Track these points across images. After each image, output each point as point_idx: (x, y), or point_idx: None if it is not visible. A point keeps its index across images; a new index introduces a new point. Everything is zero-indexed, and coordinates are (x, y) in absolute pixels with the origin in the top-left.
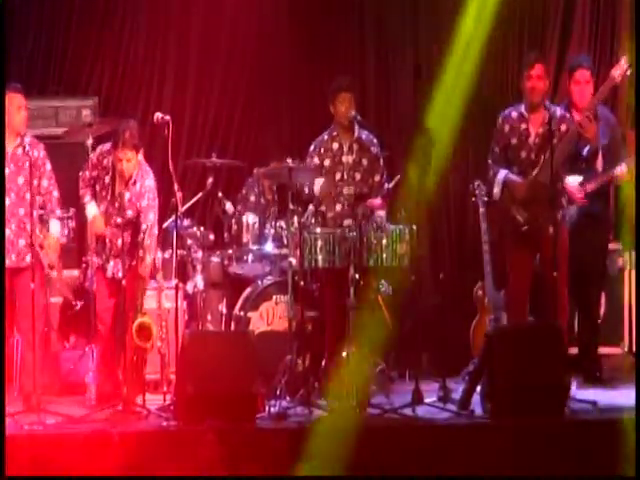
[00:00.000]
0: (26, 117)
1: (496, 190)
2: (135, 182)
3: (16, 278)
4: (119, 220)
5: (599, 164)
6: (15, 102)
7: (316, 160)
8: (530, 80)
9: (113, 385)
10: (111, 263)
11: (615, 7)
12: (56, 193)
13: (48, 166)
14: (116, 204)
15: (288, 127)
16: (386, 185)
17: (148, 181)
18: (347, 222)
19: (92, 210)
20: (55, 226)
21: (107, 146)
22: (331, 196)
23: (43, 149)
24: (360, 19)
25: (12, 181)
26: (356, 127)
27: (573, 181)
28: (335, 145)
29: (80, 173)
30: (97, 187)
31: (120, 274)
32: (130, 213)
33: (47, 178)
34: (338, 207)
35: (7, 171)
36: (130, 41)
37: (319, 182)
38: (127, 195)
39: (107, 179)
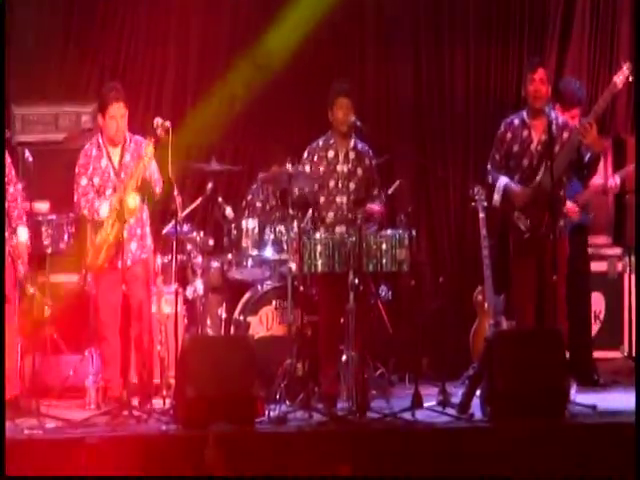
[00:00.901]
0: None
1: (496, 197)
2: (130, 141)
3: None
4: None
5: (601, 171)
6: None
7: (307, 168)
8: (533, 84)
9: (118, 388)
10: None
11: (615, 8)
12: (20, 199)
13: (13, 172)
14: (122, 174)
15: (288, 130)
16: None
17: (140, 137)
18: (339, 229)
19: (105, 205)
20: (23, 233)
21: (87, 144)
22: (324, 209)
23: (7, 155)
24: (360, 19)
25: None
26: (353, 136)
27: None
28: (331, 153)
29: (75, 199)
30: (96, 180)
31: (138, 254)
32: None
33: (12, 184)
34: (331, 215)
35: None
36: (129, 45)
37: None
38: (127, 157)
39: (103, 162)
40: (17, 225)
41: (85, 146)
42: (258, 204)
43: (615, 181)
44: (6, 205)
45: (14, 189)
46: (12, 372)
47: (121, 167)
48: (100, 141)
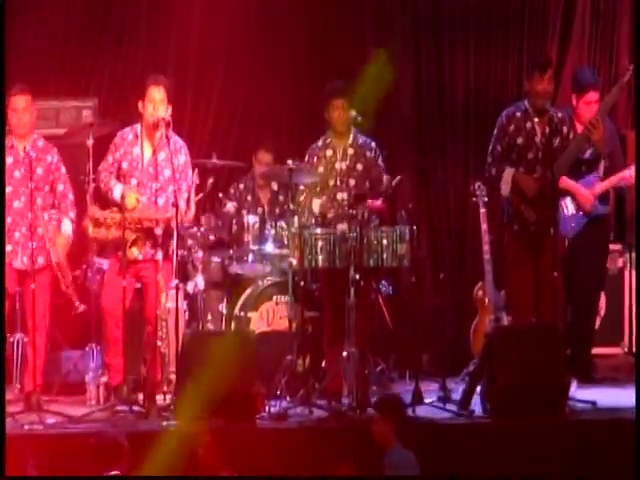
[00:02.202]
0: (34, 119)
1: (505, 187)
2: (167, 141)
3: (27, 280)
4: (156, 185)
5: (601, 169)
6: (20, 103)
7: None
8: (542, 84)
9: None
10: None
11: (615, 8)
12: (71, 196)
13: (63, 170)
14: (150, 169)
15: (288, 127)
16: (385, 180)
17: (180, 140)
18: (341, 226)
19: (119, 189)
20: (68, 225)
21: (127, 127)
22: (326, 208)
23: (56, 153)
24: (360, 19)
25: (22, 184)
26: (353, 131)
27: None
28: (329, 152)
29: (99, 168)
30: (125, 165)
31: (151, 253)
32: (167, 173)
33: (62, 182)
34: (332, 213)
35: (17, 174)
36: (130, 41)
37: (317, 202)
38: (162, 155)
39: (136, 150)
40: (61, 217)
41: (125, 129)
42: (249, 197)
43: (631, 171)
44: (50, 202)
45: (64, 187)
46: (35, 368)
47: (150, 162)
48: (138, 129)
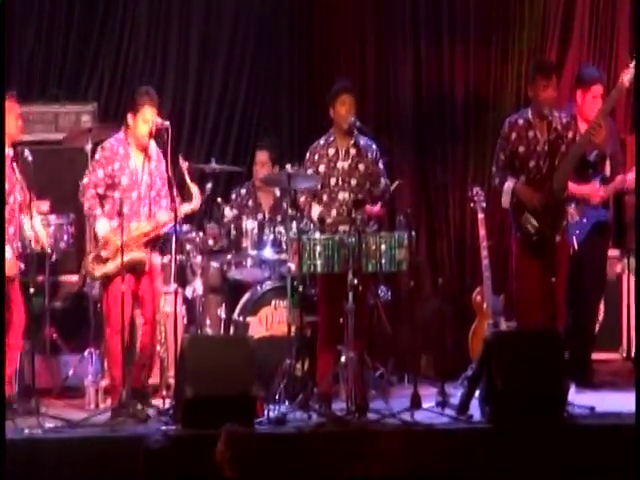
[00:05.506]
0: (21, 126)
1: (505, 199)
2: (155, 152)
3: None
4: (153, 194)
5: (607, 170)
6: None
7: (310, 171)
8: (548, 89)
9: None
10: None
11: (615, 7)
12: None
13: None
14: (146, 179)
15: (288, 128)
16: (384, 184)
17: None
18: (343, 228)
19: (103, 226)
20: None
21: (112, 139)
22: (327, 207)
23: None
24: (360, 18)
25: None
26: (355, 132)
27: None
28: (331, 151)
29: (85, 181)
30: (125, 180)
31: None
32: (159, 182)
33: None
34: (333, 212)
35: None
36: (129, 45)
37: (317, 209)
38: (153, 164)
39: (132, 163)
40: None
41: (110, 140)
42: (250, 202)
43: (631, 174)
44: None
45: None
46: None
47: (145, 173)
48: (124, 141)
